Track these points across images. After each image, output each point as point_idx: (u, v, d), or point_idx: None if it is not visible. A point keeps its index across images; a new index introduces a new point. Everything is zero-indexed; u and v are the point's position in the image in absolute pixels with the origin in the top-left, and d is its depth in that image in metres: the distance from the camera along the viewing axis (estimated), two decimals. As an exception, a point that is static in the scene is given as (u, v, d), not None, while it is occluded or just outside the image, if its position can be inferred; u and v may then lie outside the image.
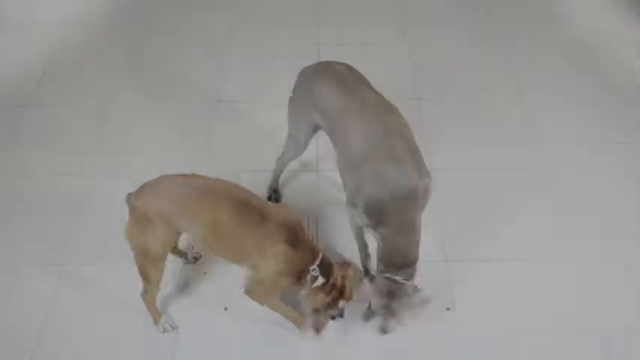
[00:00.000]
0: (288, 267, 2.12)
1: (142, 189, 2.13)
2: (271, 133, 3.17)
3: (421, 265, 2.64)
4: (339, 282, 2.20)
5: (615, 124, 3.25)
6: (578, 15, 4.02)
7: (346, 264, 2.28)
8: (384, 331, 2.33)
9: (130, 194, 2.13)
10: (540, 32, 3.90)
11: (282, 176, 2.96)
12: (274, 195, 2.91)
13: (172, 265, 2.62)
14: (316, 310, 2.26)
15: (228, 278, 2.56)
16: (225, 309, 2.48)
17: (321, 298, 2.20)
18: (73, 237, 2.75)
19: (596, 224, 2.78)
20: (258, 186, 2.93)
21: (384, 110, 2.27)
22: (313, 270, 2.15)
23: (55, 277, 2.59)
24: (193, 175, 2.18)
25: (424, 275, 2.30)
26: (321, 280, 2.16)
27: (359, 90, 2.32)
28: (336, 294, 2.21)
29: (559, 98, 3.41)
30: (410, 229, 2.21)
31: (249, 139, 3.20)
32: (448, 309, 2.46)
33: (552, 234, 2.74)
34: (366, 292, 2.34)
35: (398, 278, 2.18)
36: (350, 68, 2.44)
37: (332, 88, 2.35)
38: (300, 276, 2.16)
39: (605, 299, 2.49)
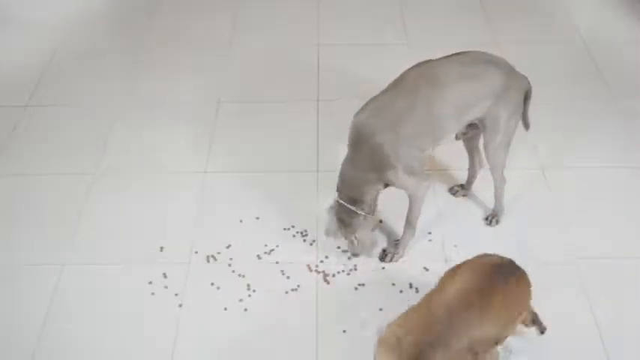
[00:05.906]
0: None
1: None
2: (274, 134, 3.18)
3: (421, 265, 2.64)
4: None
5: (616, 122, 3.25)
6: (579, 16, 4.03)
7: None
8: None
9: None
10: (540, 33, 3.91)
11: (282, 176, 2.96)
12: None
13: (180, 267, 2.63)
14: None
15: (229, 283, 2.57)
16: (225, 309, 2.48)
17: None
18: (73, 237, 2.75)
19: (597, 223, 2.78)
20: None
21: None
22: None
23: (55, 277, 2.59)
24: None
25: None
26: None
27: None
28: None
29: (558, 97, 3.42)
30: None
31: (251, 139, 3.20)
32: (448, 309, 2.46)
33: (552, 233, 2.74)
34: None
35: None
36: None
37: None
38: None
39: (606, 299, 2.49)
